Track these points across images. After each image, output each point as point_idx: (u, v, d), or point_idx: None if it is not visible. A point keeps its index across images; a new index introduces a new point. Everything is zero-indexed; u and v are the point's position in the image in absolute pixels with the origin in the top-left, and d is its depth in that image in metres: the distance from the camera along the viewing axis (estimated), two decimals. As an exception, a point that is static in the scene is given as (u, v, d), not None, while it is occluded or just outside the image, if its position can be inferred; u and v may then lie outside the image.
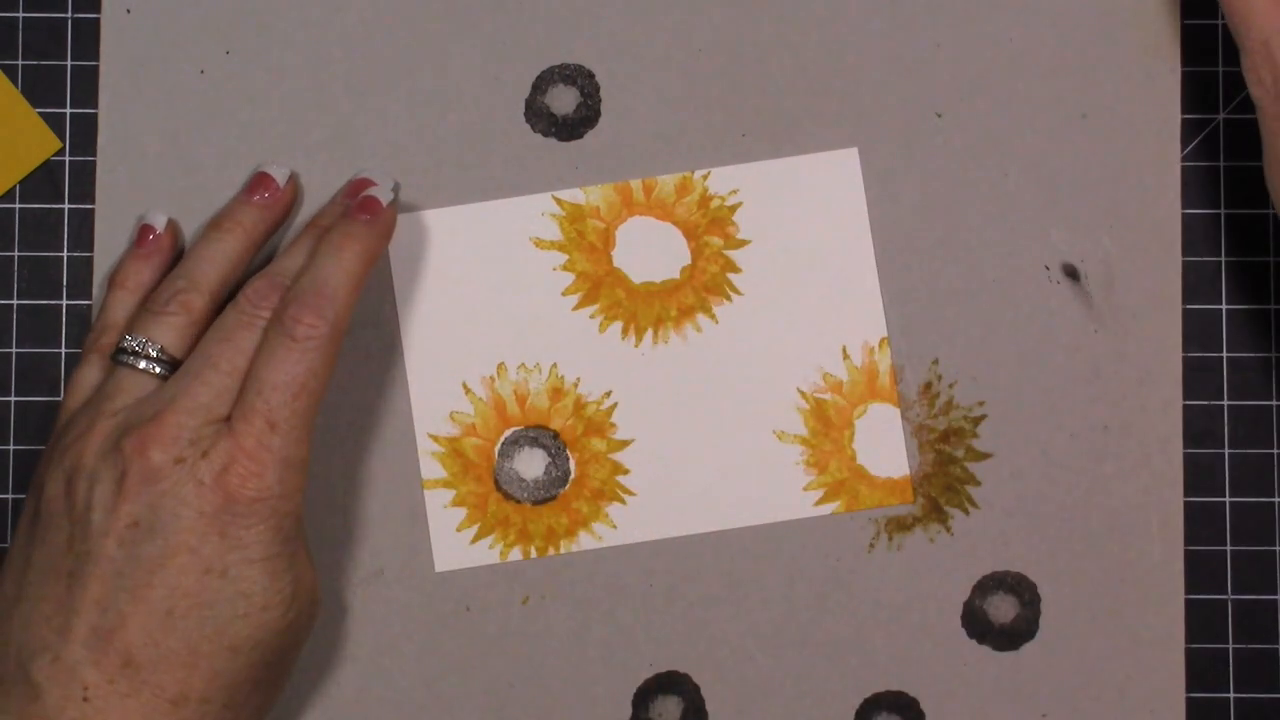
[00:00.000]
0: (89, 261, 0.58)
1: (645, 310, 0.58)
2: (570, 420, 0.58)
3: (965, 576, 0.58)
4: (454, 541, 0.58)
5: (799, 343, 0.58)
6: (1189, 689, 0.58)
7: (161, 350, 0.53)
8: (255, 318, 0.53)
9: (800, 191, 0.58)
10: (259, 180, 0.57)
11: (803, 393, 0.58)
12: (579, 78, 0.58)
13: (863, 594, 0.58)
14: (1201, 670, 0.58)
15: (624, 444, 0.58)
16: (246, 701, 0.51)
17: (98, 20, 0.58)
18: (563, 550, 0.58)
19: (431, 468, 0.58)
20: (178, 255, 0.57)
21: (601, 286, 0.58)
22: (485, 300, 0.58)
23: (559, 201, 0.58)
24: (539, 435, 0.58)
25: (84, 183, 0.58)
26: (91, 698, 0.49)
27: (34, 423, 0.58)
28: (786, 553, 0.58)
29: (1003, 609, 0.58)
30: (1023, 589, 0.58)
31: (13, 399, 0.58)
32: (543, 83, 0.59)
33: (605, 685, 0.58)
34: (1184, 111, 0.59)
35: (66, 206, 0.58)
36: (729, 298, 0.58)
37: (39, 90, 0.58)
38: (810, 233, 0.58)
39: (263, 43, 0.58)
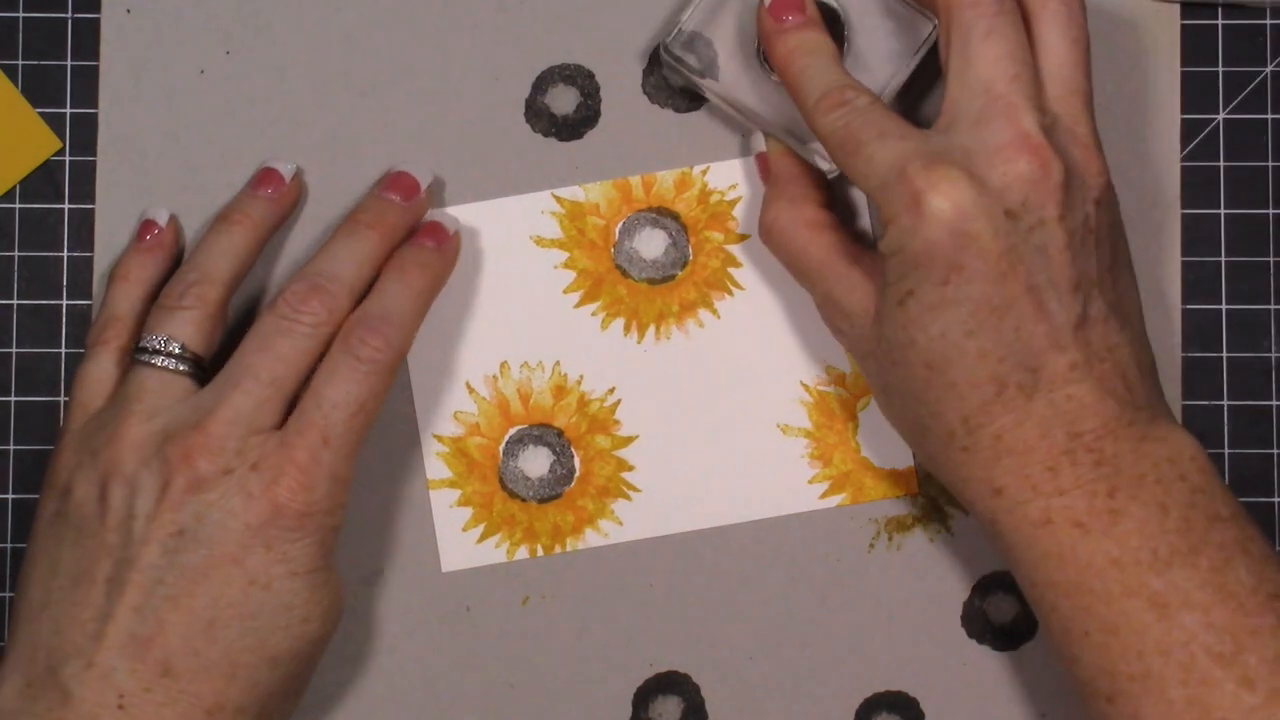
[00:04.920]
0: (89, 261, 0.58)
1: (647, 307, 0.58)
2: (574, 418, 0.58)
3: (965, 576, 0.58)
4: (460, 541, 0.58)
5: (801, 336, 0.58)
6: (1189, 689, 0.58)
7: (182, 347, 0.53)
8: (295, 324, 0.52)
9: None
10: (265, 175, 0.57)
11: (806, 386, 0.58)
12: (579, 78, 0.58)
13: (863, 594, 0.58)
14: (1201, 670, 0.58)
15: (628, 440, 0.58)
16: (277, 711, 0.52)
17: (98, 20, 0.58)
18: (569, 548, 0.58)
19: (436, 468, 0.58)
20: (179, 252, 0.57)
21: (603, 283, 0.58)
22: (487, 299, 0.58)
23: (559, 199, 0.58)
24: (543, 433, 0.58)
25: (84, 183, 0.58)
26: (127, 705, 0.49)
27: (34, 423, 0.58)
28: (786, 553, 0.58)
29: (1003, 609, 0.58)
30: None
31: (13, 399, 0.58)
32: (543, 83, 0.59)
33: (605, 685, 0.58)
34: (1184, 111, 0.59)
35: (66, 206, 0.58)
36: (730, 292, 0.58)
37: (39, 90, 0.58)
38: None
39: (263, 43, 0.58)
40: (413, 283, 0.54)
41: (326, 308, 0.53)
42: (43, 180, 0.58)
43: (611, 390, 0.58)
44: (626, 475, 0.58)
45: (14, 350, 0.58)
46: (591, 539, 0.58)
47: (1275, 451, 0.58)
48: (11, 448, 0.58)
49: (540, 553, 0.58)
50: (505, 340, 0.58)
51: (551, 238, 0.58)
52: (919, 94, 0.57)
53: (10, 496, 0.58)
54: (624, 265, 0.58)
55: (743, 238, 0.58)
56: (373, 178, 0.58)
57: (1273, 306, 0.59)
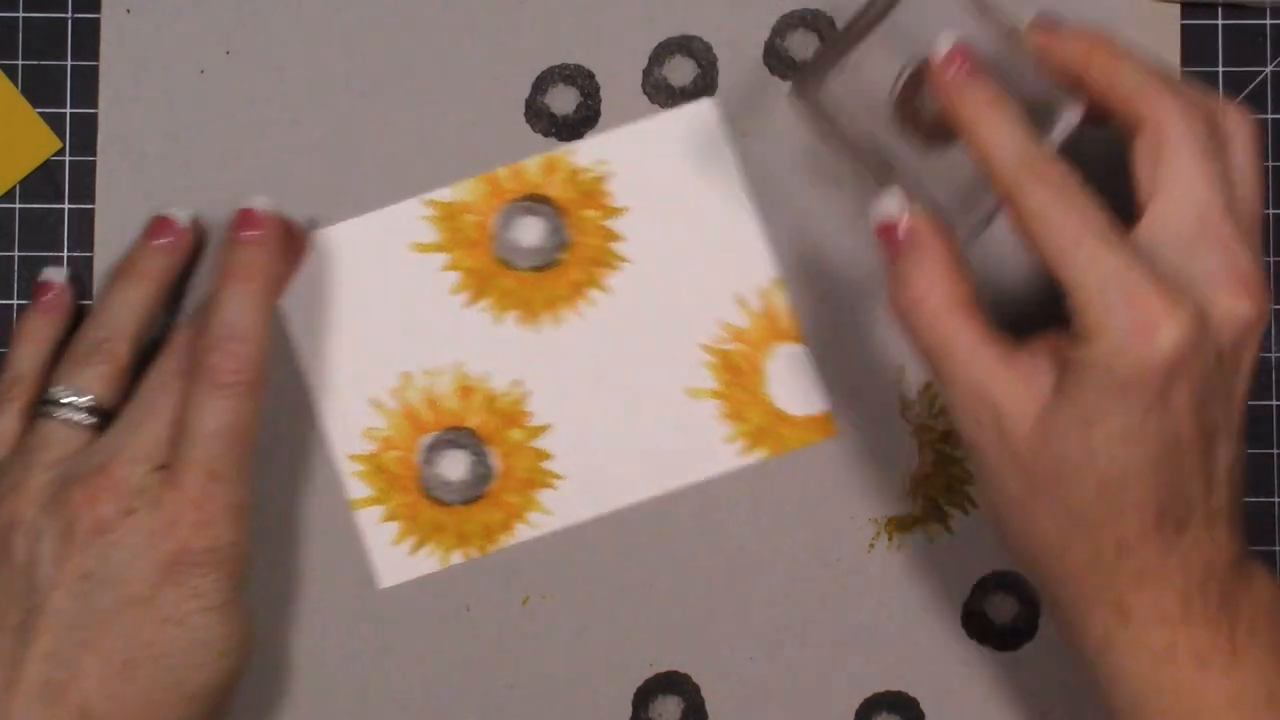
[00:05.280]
0: (89, 261, 0.58)
1: (536, 295, 0.58)
2: (485, 416, 0.58)
3: (965, 576, 0.58)
4: (394, 556, 0.58)
5: (693, 298, 0.58)
6: (1189, 689, 0.58)
7: (92, 399, 0.53)
8: (200, 370, 0.52)
9: (665, 150, 0.58)
10: (159, 225, 0.56)
11: (706, 347, 0.58)
12: (579, 78, 0.58)
13: (863, 594, 0.58)
14: (1201, 670, 0.58)
15: (542, 430, 0.58)
16: None
17: (98, 20, 0.58)
18: (502, 545, 0.58)
19: (357, 487, 0.58)
20: (78, 306, 0.57)
21: (488, 279, 0.58)
22: (377, 313, 0.58)
23: (430, 203, 0.58)
24: (457, 436, 0.58)
25: (84, 183, 0.58)
26: None
27: (34, 423, 0.58)
28: (787, 553, 0.58)
29: (1003, 609, 0.58)
30: (1023, 589, 0.58)
31: (13, 399, 0.58)
32: (543, 83, 0.59)
33: (605, 685, 0.58)
34: (1184, 111, 0.58)
35: (66, 206, 0.58)
36: (616, 267, 0.58)
37: (39, 90, 0.58)
38: (683, 188, 0.58)
39: (263, 43, 0.58)
40: (247, 288, 0.53)
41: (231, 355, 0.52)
42: (43, 180, 0.58)
43: (517, 383, 0.58)
44: (546, 464, 0.58)
45: (14, 350, 0.58)
46: (523, 533, 0.58)
47: (1275, 452, 0.58)
48: (11, 448, 0.58)
49: (476, 555, 0.58)
50: (403, 351, 0.58)
51: (430, 242, 0.58)
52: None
53: (10, 496, 0.58)
54: (506, 257, 0.58)
55: (619, 211, 0.58)
56: (372, 178, 0.58)
57: (1273, 306, 0.58)
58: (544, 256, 0.58)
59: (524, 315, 0.58)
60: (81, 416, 0.53)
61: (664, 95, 0.58)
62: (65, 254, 0.58)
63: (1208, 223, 0.48)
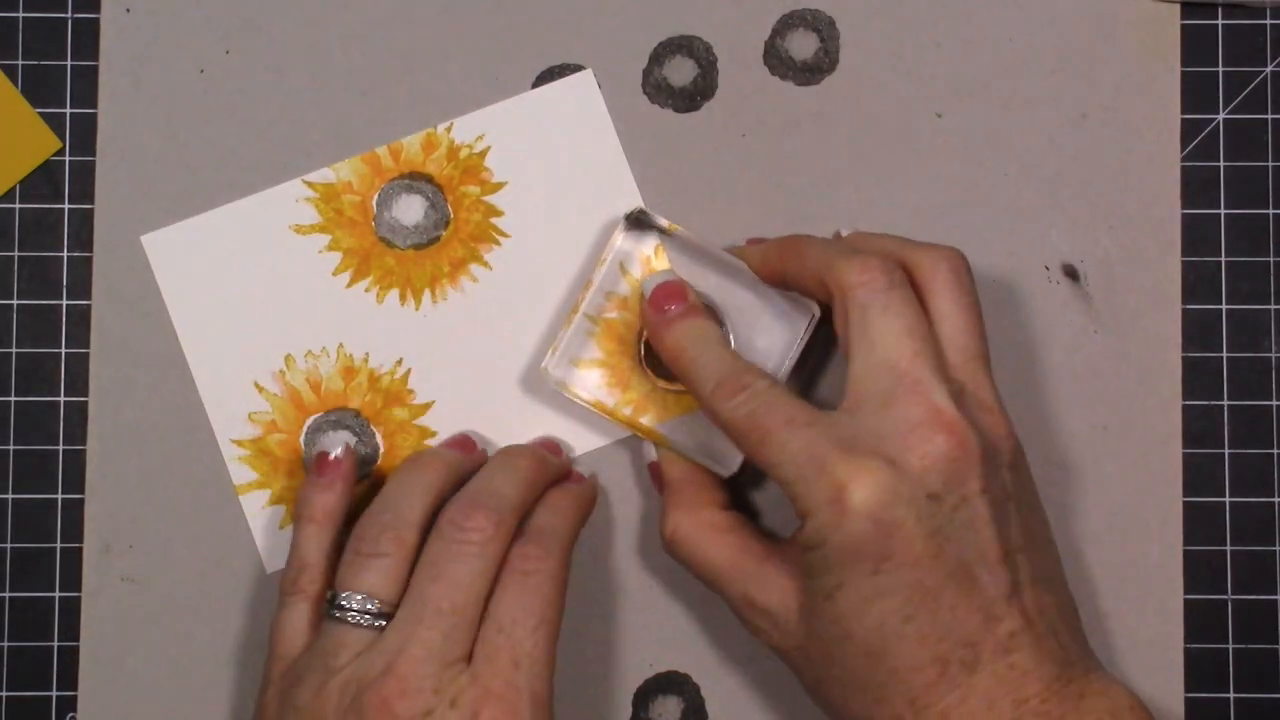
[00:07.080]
0: (89, 261, 0.58)
1: (417, 273, 0.58)
2: (368, 396, 0.58)
3: (965, 576, 0.58)
4: (280, 540, 0.58)
5: (575, 270, 0.58)
6: (1188, 689, 0.58)
7: (379, 603, 0.51)
8: (464, 545, 0.51)
9: (544, 123, 0.58)
10: (459, 441, 0.56)
11: (590, 317, 0.57)
12: (579, 78, 0.59)
13: (863, 594, 0.58)
14: (1201, 670, 0.58)
15: (425, 407, 0.58)
16: None
17: (98, 20, 0.58)
18: None
19: (241, 472, 0.58)
20: (355, 475, 0.56)
21: (370, 258, 0.58)
22: (258, 297, 0.58)
23: (310, 184, 0.58)
24: (341, 417, 0.58)
25: (84, 183, 0.58)
26: None
27: (34, 423, 0.58)
28: (786, 553, 0.58)
29: (1002, 609, 0.58)
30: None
31: (13, 399, 0.58)
32: (544, 83, 0.59)
33: (605, 685, 0.58)
34: (1184, 111, 0.59)
35: (66, 206, 0.58)
36: (497, 242, 0.58)
37: (39, 90, 0.58)
38: (563, 160, 0.58)
39: (263, 43, 0.58)
40: (563, 508, 0.54)
41: (491, 522, 0.51)
42: (43, 180, 0.58)
43: (399, 362, 0.58)
44: (430, 442, 0.58)
45: (14, 350, 0.58)
46: None
47: (1275, 451, 0.58)
48: (11, 448, 0.58)
49: None
50: (285, 333, 0.58)
51: (310, 223, 0.58)
52: (805, 381, 0.56)
53: (10, 496, 0.58)
54: (387, 236, 0.58)
55: (499, 187, 0.58)
56: (373, 178, 0.58)
57: (1273, 306, 0.59)
58: (425, 234, 0.58)
59: (406, 293, 0.58)
60: (368, 620, 0.51)
61: (664, 95, 0.58)
62: (65, 254, 0.58)
63: (899, 373, 0.49)
